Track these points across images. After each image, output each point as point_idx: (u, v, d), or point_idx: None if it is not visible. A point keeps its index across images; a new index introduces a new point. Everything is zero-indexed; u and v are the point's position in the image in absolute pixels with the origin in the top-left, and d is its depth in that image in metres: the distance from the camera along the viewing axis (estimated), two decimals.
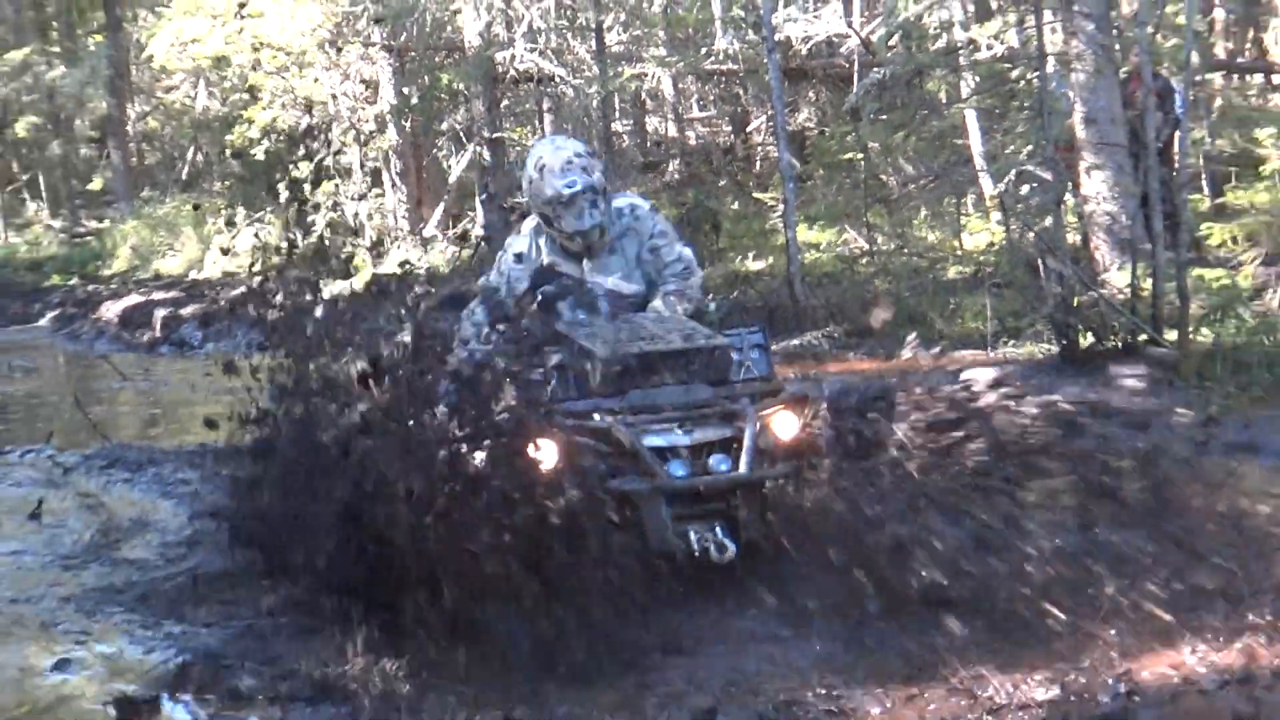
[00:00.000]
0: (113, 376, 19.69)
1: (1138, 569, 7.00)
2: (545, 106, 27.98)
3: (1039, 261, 14.76)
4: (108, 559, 9.30)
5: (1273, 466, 10.89)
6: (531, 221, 8.83)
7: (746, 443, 6.89)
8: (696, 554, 6.72)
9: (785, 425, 7.14)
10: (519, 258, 8.86)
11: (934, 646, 6.57)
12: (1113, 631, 6.67)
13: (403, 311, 7.09)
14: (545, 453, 6.66)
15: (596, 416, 7.00)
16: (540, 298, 8.30)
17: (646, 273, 8.51)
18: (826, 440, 7.21)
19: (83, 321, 26.37)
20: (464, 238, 26.24)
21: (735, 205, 24.69)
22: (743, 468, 6.84)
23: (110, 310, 26.46)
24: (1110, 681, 6.22)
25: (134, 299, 26.95)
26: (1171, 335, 13.47)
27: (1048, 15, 16.11)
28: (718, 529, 6.75)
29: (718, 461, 6.91)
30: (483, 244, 24.55)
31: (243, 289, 26.23)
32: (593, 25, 22.56)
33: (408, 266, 7.99)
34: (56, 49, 38.90)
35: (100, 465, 12.27)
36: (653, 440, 6.89)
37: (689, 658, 6.64)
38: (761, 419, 7.09)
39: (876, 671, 6.44)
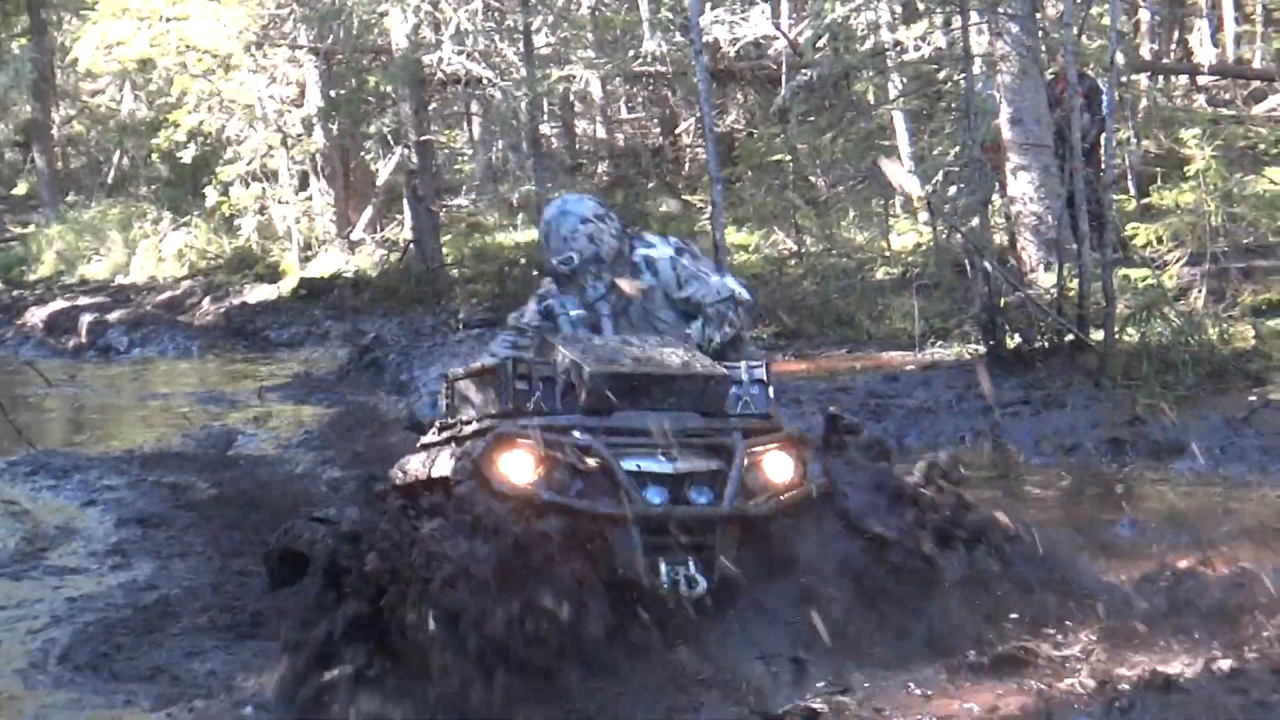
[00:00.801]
0: (38, 382, 19.55)
1: None
2: (473, 109, 27.95)
3: (966, 262, 14.82)
4: (41, 567, 9.25)
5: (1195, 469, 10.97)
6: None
7: (731, 475, 6.64)
8: (665, 586, 6.46)
9: (778, 465, 6.85)
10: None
11: None
12: None
13: None
14: (521, 465, 6.55)
15: (577, 433, 6.68)
16: (544, 309, 8.13)
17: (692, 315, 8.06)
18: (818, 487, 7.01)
19: (7, 327, 26.19)
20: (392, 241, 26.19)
21: (663, 207, 24.69)
22: (724, 502, 6.60)
23: (35, 316, 26.30)
24: None
25: (59, 304, 26.81)
26: (1098, 335, 13.54)
27: (974, 17, 16.14)
28: (691, 563, 6.50)
29: (698, 493, 6.66)
30: (410, 247, 24.48)
31: (169, 294, 25.91)
32: (521, 27, 22.49)
33: None
34: None
35: (25, 472, 12.21)
36: (631, 464, 6.64)
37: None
38: (754, 456, 6.82)
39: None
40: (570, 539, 6.40)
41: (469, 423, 7.09)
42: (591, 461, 6.62)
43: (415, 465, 7.37)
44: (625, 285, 7.91)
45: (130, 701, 6.68)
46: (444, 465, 6.96)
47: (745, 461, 6.77)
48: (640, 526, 6.50)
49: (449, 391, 7.42)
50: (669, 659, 6.57)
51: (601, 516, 6.50)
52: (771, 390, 7.25)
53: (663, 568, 6.48)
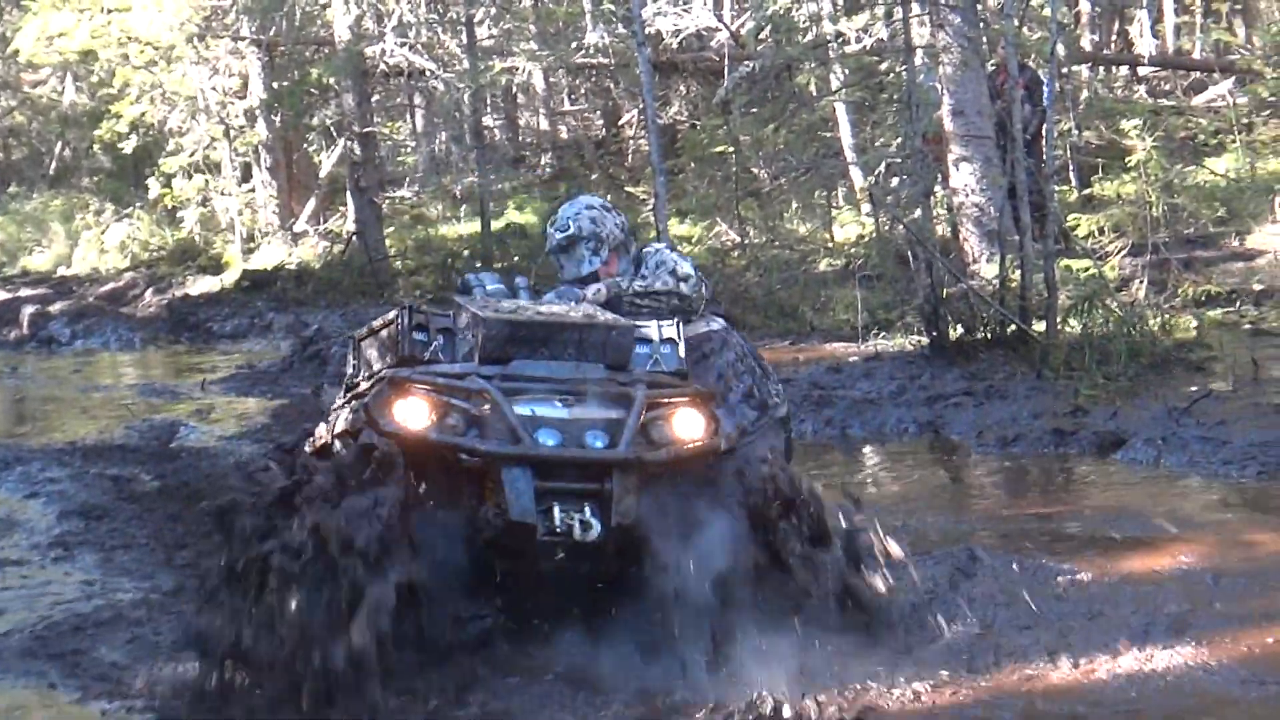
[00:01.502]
0: None
1: None
2: (416, 101, 27.86)
3: (909, 254, 14.82)
4: None
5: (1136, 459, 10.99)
6: None
7: (629, 422, 6.58)
8: (559, 530, 6.37)
9: (688, 421, 6.78)
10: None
11: None
12: None
13: None
14: (414, 410, 6.50)
15: (474, 379, 6.65)
16: (461, 282, 8.10)
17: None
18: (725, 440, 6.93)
19: None
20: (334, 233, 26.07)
21: (608, 197, 24.65)
22: (620, 446, 6.52)
23: None
24: None
25: (0, 295, 26.58)
26: (1040, 326, 13.56)
27: (915, 8, 16.17)
28: (586, 508, 6.42)
29: (593, 437, 6.58)
30: (354, 239, 24.38)
31: (112, 286, 25.72)
32: (463, 19, 22.45)
33: None
34: None
35: None
36: (526, 408, 6.57)
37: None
38: (664, 410, 6.77)
39: None
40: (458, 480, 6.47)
41: (371, 378, 7.08)
42: (485, 407, 6.57)
43: (322, 429, 7.33)
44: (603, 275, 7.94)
45: (54, 687, 6.68)
46: (344, 421, 6.94)
47: (651, 414, 6.72)
48: (533, 469, 6.42)
49: (355, 352, 7.44)
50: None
51: (493, 455, 6.43)
52: (683, 349, 7.23)
53: (556, 512, 6.40)
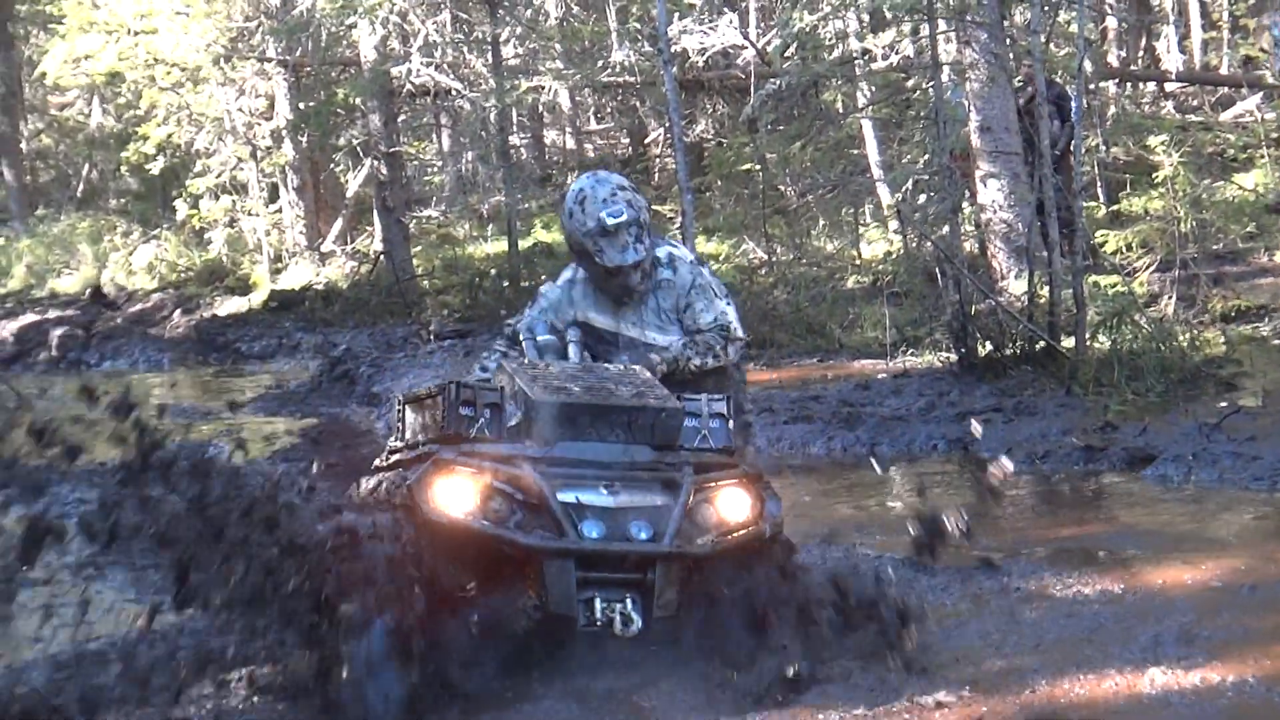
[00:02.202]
0: (7, 397, 19.46)
1: None
2: (443, 121, 27.90)
3: (937, 270, 14.81)
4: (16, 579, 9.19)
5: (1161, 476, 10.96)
6: (567, 272, 8.19)
7: (674, 513, 6.48)
8: (599, 623, 6.33)
9: (733, 503, 6.70)
10: (547, 305, 8.10)
11: None
12: None
13: None
14: (457, 493, 6.43)
15: (519, 462, 6.53)
16: (510, 330, 8.05)
17: (687, 328, 7.94)
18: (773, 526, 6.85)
19: None
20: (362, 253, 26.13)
21: None
22: (665, 540, 6.43)
23: (5, 329, 26.19)
24: None
25: (29, 318, 26.68)
26: (1068, 342, 13.54)
27: (941, 25, 16.16)
28: (628, 600, 6.35)
29: (639, 528, 6.46)
30: (381, 258, 24.43)
31: (140, 307, 25.77)
32: (489, 39, 22.49)
33: None
34: None
35: None
36: (570, 495, 6.46)
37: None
38: (708, 492, 6.68)
39: None
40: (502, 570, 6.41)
41: (414, 446, 7.00)
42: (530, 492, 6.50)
43: (366, 487, 7.31)
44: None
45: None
46: (384, 487, 6.94)
47: (697, 497, 6.63)
48: (575, 561, 6.35)
49: (400, 413, 7.34)
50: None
51: (535, 550, 6.37)
52: (732, 425, 7.09)
53: (598, 604, 6.35)
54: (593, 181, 7.95)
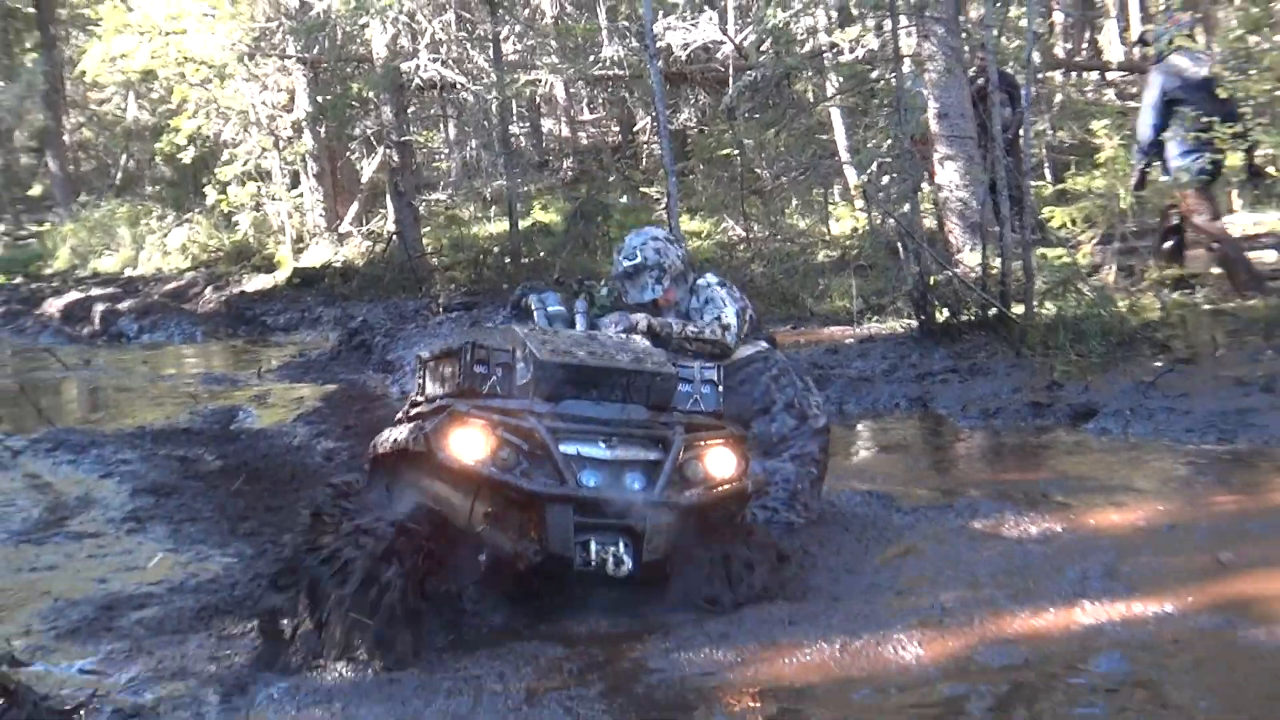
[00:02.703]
0: (56, 367, 19.52)
1: None
2: (449, 112, 27.91)
3: (899, 245, 14.86)
4: (62, 534, 9.28)
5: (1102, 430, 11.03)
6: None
7: (665, 466, 6.63)
8: (593, 564, 6.47)
9: (720, 461, 6.82)
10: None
11: None
12: None
13: None
14: (471, 443, 6.54)
15: (527, 417, 6.64)
16: (520, 294, 8.18)
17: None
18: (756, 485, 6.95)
19: (27, 317, 26.09)
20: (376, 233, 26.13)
21: (624, 199, 24.71)
22: (655, 490, 6.58)
23: (52, 306, 26.21)
24: None
25: (74, 295, 26.72)
26: (1018, 309, 13.60)
27: (903, 20, 16.17)
28: (620, 544, 6.48)
29: (632, 479, 6.63)
30: (394, 238, 24.46)
31: (174, 285, 25.77)
32: (490, 36, 22.46)
33: None
34: None
35: (46, 448, 12.19)
36: (571, 448, 6.61)
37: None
38: (697, 450, 6.80)
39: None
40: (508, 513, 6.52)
41: (432, 400, 7.12)
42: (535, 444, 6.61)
43: (386, 435, 7.40)
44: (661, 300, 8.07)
45: (116, 656, 6.74)
46: (405, 436, 7.01)
47: (686, 454, 6.75)
48: (574, 506, 6.47)
49: (421, 372, 7.46)
50: None
51: (537, 495, 6.48)
52: (721, 390, 7.21)
53: (593, 547, 6.47)
54: (633, 234, 8.43)
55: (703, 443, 6.84)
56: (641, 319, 7.94)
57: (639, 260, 8.17)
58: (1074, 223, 14.91)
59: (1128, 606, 6.61)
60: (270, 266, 26.67)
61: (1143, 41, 16.86)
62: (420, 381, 7.48)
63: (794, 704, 5.93)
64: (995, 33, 15.11)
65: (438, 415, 6.75)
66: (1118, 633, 6.33)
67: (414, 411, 7.24)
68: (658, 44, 18.66)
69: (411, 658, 6.24)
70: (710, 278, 8.50)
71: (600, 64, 23.79)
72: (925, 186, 16.44)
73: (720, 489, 6.80)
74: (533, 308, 7.89)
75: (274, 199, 27.11)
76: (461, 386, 6.86)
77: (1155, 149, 14.40)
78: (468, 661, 6.31)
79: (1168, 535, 7.87)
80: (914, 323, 14.47)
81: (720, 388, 7.20)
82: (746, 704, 5.91)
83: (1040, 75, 20.99)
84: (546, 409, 6.69)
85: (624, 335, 7.54)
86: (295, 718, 5.79)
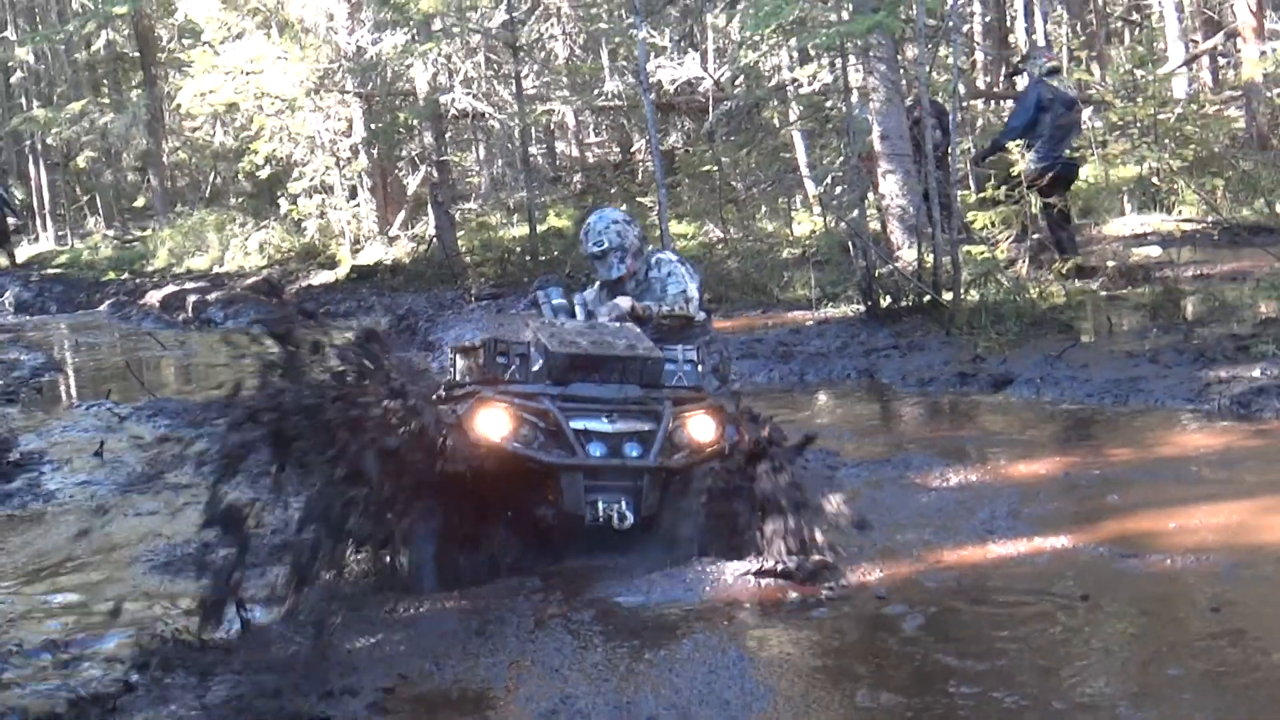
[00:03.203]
0: (156, 347, 19.51)
1: None
2: (479, 136, 27.88)
3: (849, 243, 14.86)
4: (161, 485, 9.28)
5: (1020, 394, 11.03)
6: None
7: (658, 436, 6.67)
8: (601, 520, 6.54)
9: (702, 427, 6.84)
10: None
11: None
12: None
13: None
14: (496, 423, 6.58)
15: (541, 399, 6.72)
16: (537, 286, 8.22)
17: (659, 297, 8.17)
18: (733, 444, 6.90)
19: (132, 306, 26.04)
20: (420, 236, 26.09)
21: (624, 206, 24.65)
22: (650, 456, 6.64)
23: (153, 297, 26.16)
24: None
25: (171, 289, 26.66)
26: (948, 296, 13.58)
27: (851, 59, 16.19)
28: (623, 502, 6.56)
29: (630, 448, 6.66)
30: (434, 240, 24.42)
31: (253, 280, 25.63)
32: (513, 74, 22.42)
33: None
34: (106, 100, 38.20)
35: (148, 415, 12.21)
36: (579, 423, 6.65)
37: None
38: (681, 419, 6.82)
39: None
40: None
41: (461, 386, 7.18)
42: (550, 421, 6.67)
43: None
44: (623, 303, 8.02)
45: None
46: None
47: (674, 424, 6.79)
48: (584, 473, 6.55)
49: (452, 360, 7.55)
50: None
51: (554, 465, 6.55)
52: (701, 368, 7.23)
53: (600, 505, 6.54)
54: (595, 217, 8.36)
55: (687, 413, 6.86)
56: (627, 303, 7.96)
57: (605, 245, 8.17)
58: (993, 225, 14.85)
59: (1029, 540, 6.64)
60: (332, 264, 26.57)
61: (1016, 71, 17.47)
62: (451, 369, 7.58)
63: (750, 620, 5.96)
64: (927, 69, 15.07)
65: (467, 400, 6.81)
66: (1019, 563, 6.36)
67: (448, 396, 7.26)
68: (650, 80, 18.64)
69: (450, 590, 6.28)
70: (670, 254, 8.50)
71: (603, 96, 23.76)
72: (870, 195, 16.41)
73: (703, 451, 6.83)
74: (540, 302, 7.96)
75: (335, 208, 27.00)
76: (486, 374, 6.97)
77: (1016, 137, 14.72)
78: (489, 595, 6.34)
79: (1064, 481, 7.91)
80: (862, 308, 14.46)
81: (700, 366, 7.23)
82: (710, 620, 5.98)
83: (964, 103, 20.98)
84: (557, 391, 6.74)
85: (618, 323, 7.55)
86: (360, 646, 5.82)
